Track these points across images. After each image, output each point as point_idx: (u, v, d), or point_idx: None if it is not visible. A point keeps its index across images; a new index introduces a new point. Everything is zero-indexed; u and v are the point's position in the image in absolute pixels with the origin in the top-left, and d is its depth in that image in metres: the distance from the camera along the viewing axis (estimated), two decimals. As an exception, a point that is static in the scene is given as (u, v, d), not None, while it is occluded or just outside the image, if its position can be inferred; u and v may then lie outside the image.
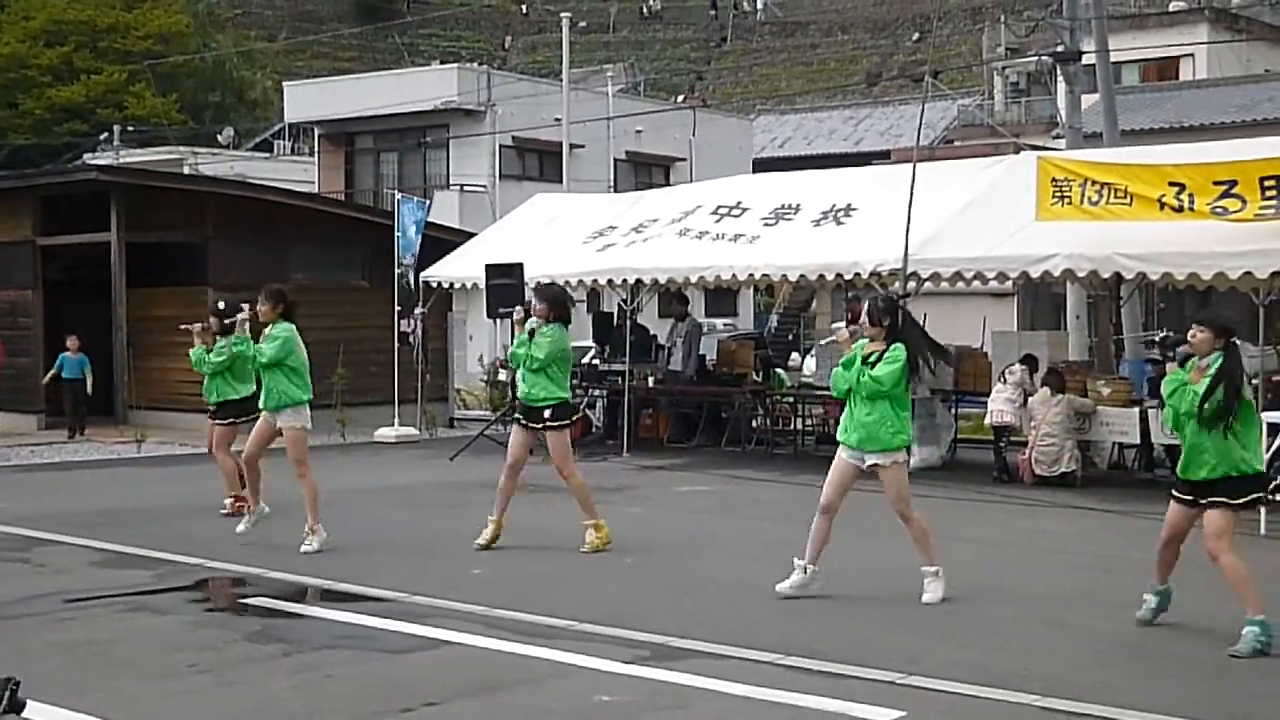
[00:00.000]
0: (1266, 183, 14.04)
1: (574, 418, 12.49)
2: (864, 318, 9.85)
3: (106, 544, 12.40)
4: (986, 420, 17.56)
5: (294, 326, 12.30)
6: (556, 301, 12.14)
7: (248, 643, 8.79)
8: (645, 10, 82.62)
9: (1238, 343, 8.98)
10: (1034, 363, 17.60)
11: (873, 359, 9.70)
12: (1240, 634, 8.42)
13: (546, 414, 11.88)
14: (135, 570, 11.27)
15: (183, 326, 14.19)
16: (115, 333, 23.86)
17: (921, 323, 20.61)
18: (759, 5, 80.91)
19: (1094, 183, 15.34)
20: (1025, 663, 8.15)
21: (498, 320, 19.74)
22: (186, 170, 41.63)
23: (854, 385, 9.68)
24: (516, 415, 12.38)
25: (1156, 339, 9.49)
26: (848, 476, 9.88)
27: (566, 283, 20.90)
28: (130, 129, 52.05)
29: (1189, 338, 8.85)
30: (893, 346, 9.69)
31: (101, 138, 51.27)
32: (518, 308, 12.46)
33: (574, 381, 21.89)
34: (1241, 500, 8.70)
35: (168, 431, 22.25)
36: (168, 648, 8.60)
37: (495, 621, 9.22)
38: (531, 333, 11.88)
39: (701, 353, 21.84)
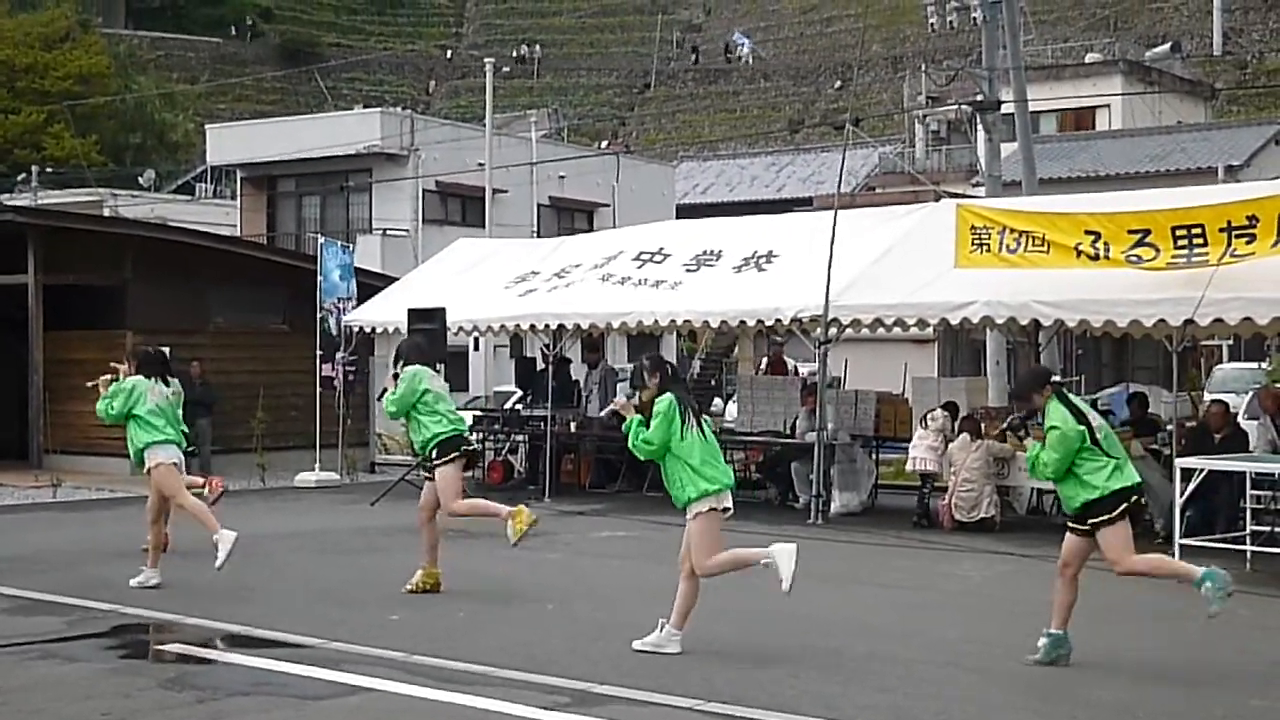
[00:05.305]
0: (1178, 232, 14.26)
1: (453, 454, 11.81)
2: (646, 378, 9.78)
3: (17, 590, 12.18)
4: (909, 467, 17.65)
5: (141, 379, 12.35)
6: (402, 352, 12.22)
7: (161, 690, 8.67)
8: (517, 55, 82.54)
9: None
10: (956, 409, 17.72)
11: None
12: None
13: (433, 455, 11.86)
14: (46, 616, 11.08)
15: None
16: (31, 375, 23.55)
17: (843, 369, 20.93)
18: (746, 50, 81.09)
19: (1012, 231, 15.53)
20: (941, 706, 8.19)
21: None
22: (106, 212, 41.15)
23: (632, 448, 9.80)
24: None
25: (1003, 424, 10.34)
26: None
27: (489, 328, 20.90)
28: (49, 170, 51.51)
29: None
30: (657, 400, 9.66)
31: (19, 179, 50.70)
32: (390, 375, 12.26)
33: (496, 426, 22.07)
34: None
35: (84, 475, 21.93)
36: (79, 696, 8.47)
37: (413, 667, 9.15)
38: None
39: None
